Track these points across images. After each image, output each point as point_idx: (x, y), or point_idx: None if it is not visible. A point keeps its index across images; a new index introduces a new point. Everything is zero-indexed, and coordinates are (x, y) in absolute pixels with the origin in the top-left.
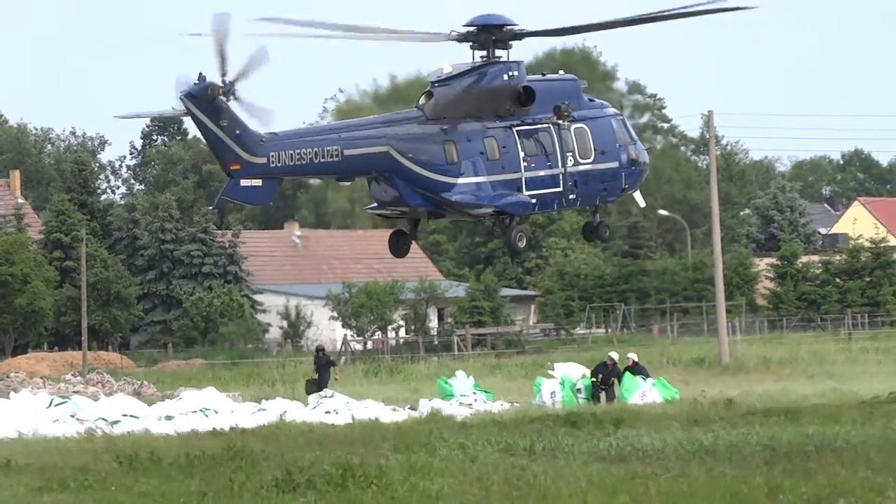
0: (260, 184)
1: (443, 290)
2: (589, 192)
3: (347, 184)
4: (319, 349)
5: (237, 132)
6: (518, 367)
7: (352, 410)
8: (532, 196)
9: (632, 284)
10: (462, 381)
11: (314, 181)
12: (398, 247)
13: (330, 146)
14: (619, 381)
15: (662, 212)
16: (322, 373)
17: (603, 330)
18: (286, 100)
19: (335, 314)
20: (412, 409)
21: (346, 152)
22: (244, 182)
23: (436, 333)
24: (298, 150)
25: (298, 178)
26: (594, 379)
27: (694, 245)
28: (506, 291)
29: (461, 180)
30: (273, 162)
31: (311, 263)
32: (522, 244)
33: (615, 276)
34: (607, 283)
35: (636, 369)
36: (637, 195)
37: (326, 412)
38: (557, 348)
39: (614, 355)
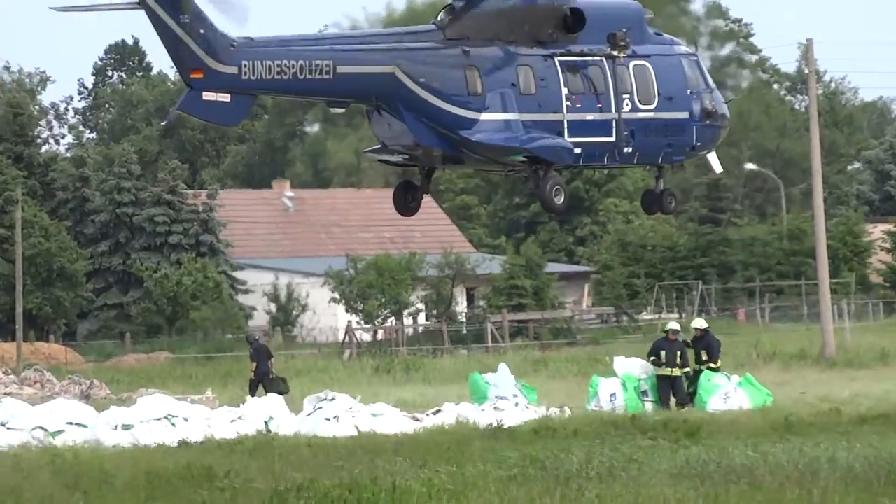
0: (227, 99)
1: (473, 266)
2: (649, 147)
3: (341, 111)
4: (252, 339)
5: (201, 32)
6: (569, 362)
7: (357, 418)
8: (576, 144)
9: (712, 258)
10: (504, 378)
11: (310, 128)
12: (405, 202)
13: (320, 59)
14: (684, 359)
15: (750, 166)
16: (259, 366)
17: (676, 315)
18: (274, 24)
19: (336, 296)
20: (436, 414)
21: (341, 69)
22: (207, 95)
23: (464, 320)
24: (279, 62)
25: (276, 97)
26: (653, 358)
27: (790, 208)
28: (553, 267)
29: (485, 116)
30: (246, 73)
31: (306, 232)
32: (560, 200)
33: (691, 247)
34: (681, 257)
35: (703, 342)
36: (712, 158)
37: (325, 419)
38: (618, 339)
39: (675, 325)
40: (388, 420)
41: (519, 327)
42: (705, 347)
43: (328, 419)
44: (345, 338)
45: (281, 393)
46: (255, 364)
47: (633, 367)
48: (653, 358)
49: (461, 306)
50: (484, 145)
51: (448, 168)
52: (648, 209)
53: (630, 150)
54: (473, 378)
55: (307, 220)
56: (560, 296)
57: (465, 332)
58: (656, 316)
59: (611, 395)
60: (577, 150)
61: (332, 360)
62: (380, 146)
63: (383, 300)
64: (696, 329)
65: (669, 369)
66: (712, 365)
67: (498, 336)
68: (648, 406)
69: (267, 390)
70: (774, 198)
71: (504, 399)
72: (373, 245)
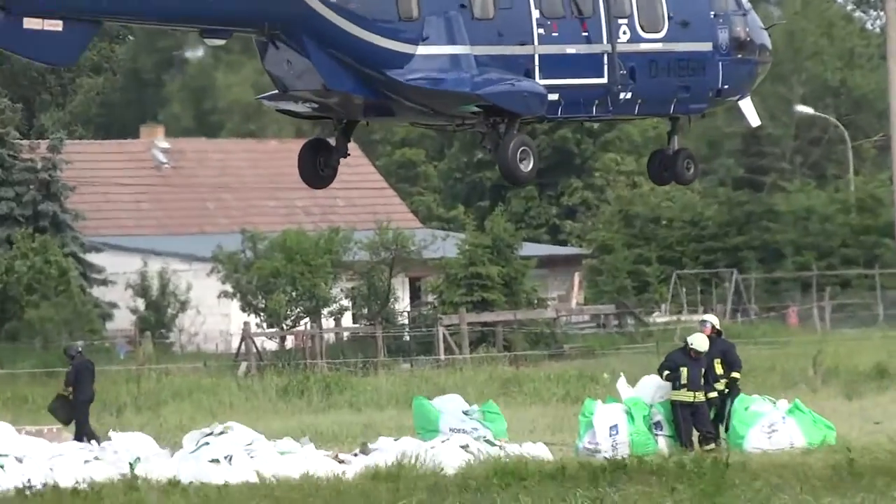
0: (58, 29)
1: (419, 247)
2: (656, 92)
3: (219, 42)
4: (73, 353)
5: None
6: (552, 381)
7: (257, 458)
8: (552, 88)
9: (751, 237)
10: (455, 403)
11: (192, 54)
12: (314, 169)
13: None
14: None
15: (803, 108)
16: (82, 390)
17: (700, 316)
18: None
19: (229, 288)
20: (363, 451)
21: None
22: (29, 23)
23: (407, 323)
24: None
25: (127, 22)
26: (668, 373)
27: (859, 168)
28: (530, 249)
29: (422, 49)
30: None
31: (186, 198)
32: (527, 167)
33: (722, 221)
34: (708, 235)
35: (716, 348)
36: (747, 105)
37: (213, 460)
38: (621, 349)
39: (698, 342)
40: (301, 461)
41: (483, 333)
42: (721, 355)
43: (216, 460)
44: (240, 346)
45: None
46: (71, 388)
47: (642, 389)
48: (667, 373)
49: (402, 303)
50: (421, 90)
51: (373, 121)
52: (657, 177)
53: (629, 95)
54: (419, 403)
55: (188, 183)
56: (540, 289)
57: (407, 338)
58: (674, 318)
59: (611, 428)
60: (554, 97)
61: (224, 377)
62: (278, 91)
63: (294, 294)
64: (703, 327)
65: (692, 393)
66: (735, 375)
67: (454, 345)
68: (662, 442)
69: (75, 422)
70: (838, 153)
71: (461, 432)
72: (279, 217)
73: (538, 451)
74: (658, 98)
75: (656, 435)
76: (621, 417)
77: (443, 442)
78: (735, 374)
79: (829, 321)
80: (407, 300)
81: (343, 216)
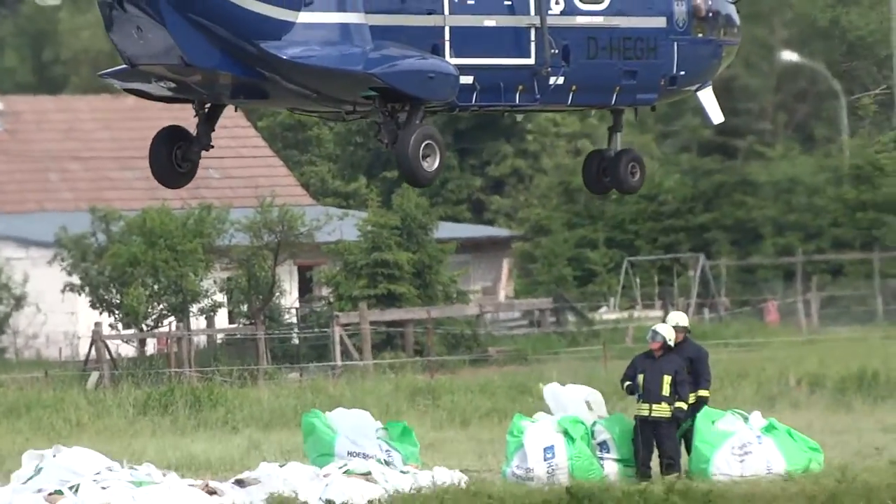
0: None
1: (310, 228)
2: (595, 77)
3: (54, 3)
4: None
5: None
6: (475, 392)
7: (111, 489)
8: (465, 69)
9: (721, 214)
10: (355, 420)
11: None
12: (168, 165)
13: None
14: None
15: (787, 55)
16: None
17: (658, 312)
18: None
19: (76, 279)
20: (239, 482)
21: None
22: None
23: (296, 321)
24: None
25: None
26: (627, 383)
27: (854, 129)
28: (448, 230)
29: (306, 17)
30: None
31: (21, 168)
32: (431, 167)
33: (686, 195)
34: (668, 212)
35: (684, 352)
36: (707, 97)
37: (54, 492)
38: (560, 353)
39: (664, 330)
40: (163, 492)
41: (389, 334)
42: (688, 363)
43: (59, 491)
44: (90, 352)
45: None
46: None
47: (582, 402)
48: (627, 384)
49: (290, 298)
50: (302, 68)
51: (243, 105)
52: (594, 184)
53: (561, 81)
54: (310, 421)
55: (24, 150)
56: (461, 280)
57: (296, 341)
58: (625, 314)
59: (545, 450)
60: (467, 80)
61: (70, 390)
62: (127, 66)
63: (156, 288)
64: (670, 329)
65: (649, 406)
66: (703, 393)
67: (353, 349)
68: (610, 468)
69: None
70: (829, 111)
71: (363, 456)
72: (138, 192)
73: (457, 478)
74: (597, 85)
75: (602, 458)
76: (557, 437)
77: (340, 469)
78: (702, 392)
79: (816, 317)
80: (295, 294)
81: (217, 190)
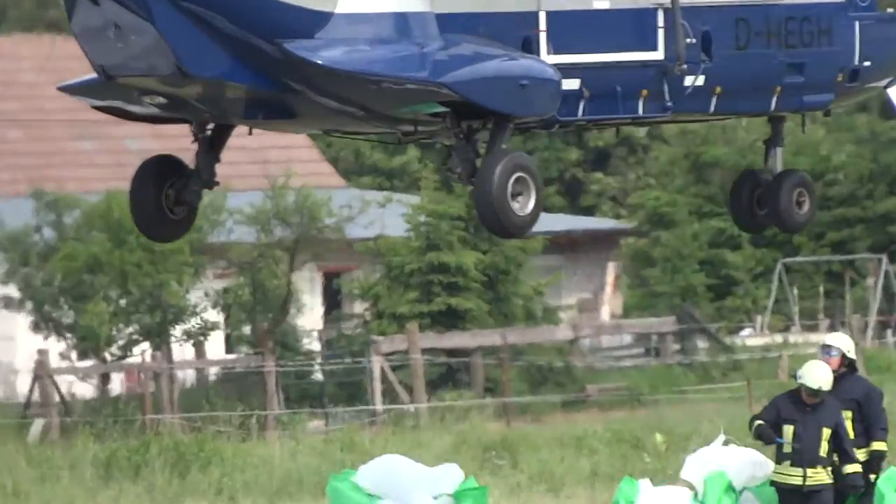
0: None
1: (339, 217)
2: (748, 74)
3: None
4: None
5: None
6: (568, 447)
7: None
8: (569, 69)
9: None
10: (403, 477)
11: None
12: (156, 209)
13: None
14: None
15: None
16: None
17: (822, 335)
18: None
19: (13, 291)
20: None
21: None
22: None
23: (319, 348)
24: None
25: None
26: (759, 423)
27: None
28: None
29: (346, 5)
30: None
31: None
32: (525, 209)
33: (862, 173)
34: (837, 198)
35: (846, 389)
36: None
37: None
38: (686, 392)
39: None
40: None
41: (450, 366)
42: (854, 406)
43: None
44: (32, 390)
45: None
46: None
47: (726, 463)
48: (758, 428)
49: (312, 316)
50: (345, 77)
51: (261, 127)
52: (746, 219)
53: (701, 81)
54: (338, 487)
55: None
56: (548, 290)
57: (319, 376)
58: (777, 338)
59: None
60: (572, 85)
61: (6, 444)
62: (101, 76)
63: (124, 303)
64: (827, 357)
65: (803, 471)
66: (878, 447)
67: (398, 387)
68: None
69: None
70: None
71: None
72: (99, 171)
73: None
74: (750, 85)
75: None
76: None
77: None
78: (877, 445)
79: None
80: (319, 311)
81: (223, 171)
